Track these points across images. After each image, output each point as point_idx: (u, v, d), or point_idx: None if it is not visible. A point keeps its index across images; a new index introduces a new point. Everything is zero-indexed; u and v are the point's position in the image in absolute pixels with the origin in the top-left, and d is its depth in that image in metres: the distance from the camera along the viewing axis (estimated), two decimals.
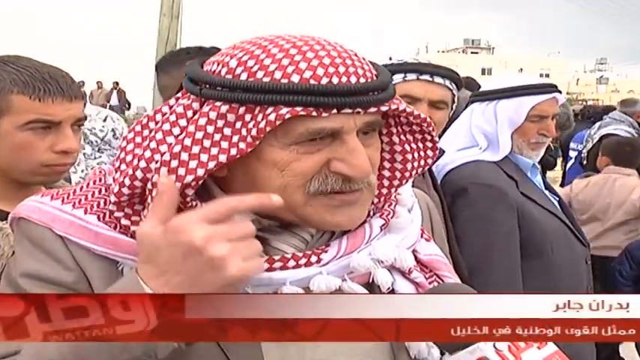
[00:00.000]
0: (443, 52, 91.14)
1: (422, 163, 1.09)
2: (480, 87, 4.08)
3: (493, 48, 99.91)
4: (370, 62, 1.01)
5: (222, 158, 0.93)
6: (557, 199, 2.49)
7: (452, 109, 2.22)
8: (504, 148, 2.33)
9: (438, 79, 2.12)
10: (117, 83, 25.89)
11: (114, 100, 24.81)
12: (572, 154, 7.31)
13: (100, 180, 1.08)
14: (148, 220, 0.89)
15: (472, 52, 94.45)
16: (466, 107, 2.53)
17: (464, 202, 2.24)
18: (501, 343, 0.84)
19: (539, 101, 2.33)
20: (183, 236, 0.84)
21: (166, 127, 0.97)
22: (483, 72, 72.63)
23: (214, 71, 0.97)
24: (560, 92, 2.43)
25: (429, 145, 1.09)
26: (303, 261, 1.00)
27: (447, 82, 2.15)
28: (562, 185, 6.50)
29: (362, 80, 0.95)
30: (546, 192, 2.47)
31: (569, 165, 7.36)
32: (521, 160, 2.39)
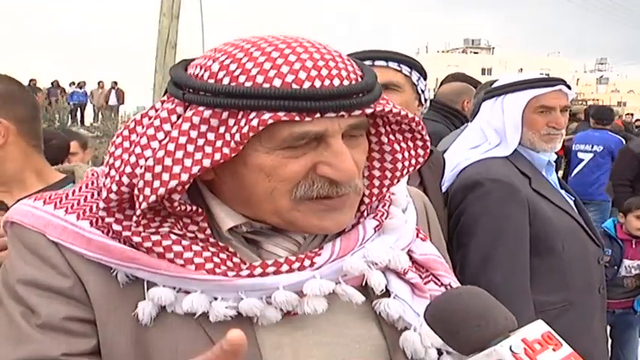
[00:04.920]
0: (443, 52, 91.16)
1: (413, 162, 1.08)
2: (477, 83, 4.08)
3: (493, 48, 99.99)
4: (356, 62, 0.99)
5: (206, 163, 0.92)
6: (573, 198, 2.49)
7: (418, 92, 2.16)
8: (512, 142, 2.36)
9: (379, 63, 2.09)
10: (115, 83, 25.95)
11: (112, 100, 24.85)
12: (584, 155, 7.10)
13: (93, 183, 1.07)
14: None
15: (472, 52, 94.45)
16: (479, 108, 2.53)
17: (474, 196, 2.25)
18: (517, 345, 0.84)
19: (537, 94, 2.35)
20: None
21: (151, 131, 0.96)
22: (483, 72, 72.67)
23: (197, 75, 0.96)
24: (568, 87, 2.44)
25: (419, 143, 1.07)
26: (296, 265, 0.98)
27: (393, 65, 2.12)
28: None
29: (345, 83, 0.93)
30: (562, 191, 2.47)
31: (580, 167, 7.13)
32: (536, 157, 2.40)
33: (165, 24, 10.07)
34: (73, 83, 26.82)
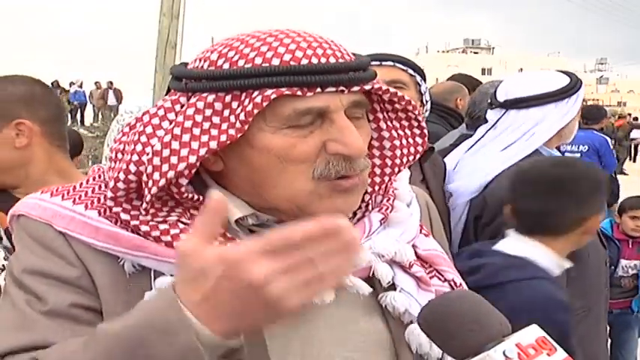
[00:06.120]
0: (443, 52, 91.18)
1: (412, 150, 1.10)
2: (479, 84, 4.05)
3: (493, 48, 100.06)
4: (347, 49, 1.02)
5: (213, 145, 0.94)
6: None
7: (421, 92, 2.32)
8: (542, 140, 2.30)
9: (386, 63, 2.29)
10: (111, 83, 25.93)
11: (112, 100, 24.83)
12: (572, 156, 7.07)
13: (100, 177, 1.08)
14: (192, 237, 0.82)
15: (472, 52, 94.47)
16: (483, 111, 2.48)
17: None
18: (511, 350, 0.84)
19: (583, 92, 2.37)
20: (242, 273, 0.77)
21: (156, 121, 0.99)
22: (483, 72, 72.69)
23: (197, 67, 0.99)
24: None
25: (417, 132, 1.10)
26: None
27: (399, 65, 2.30)
28: None
29: (341, 60, 0.96)
30: None
31: None
32: None
33: (165, 24, 10.05)
34: (73, 83, 26.82)
